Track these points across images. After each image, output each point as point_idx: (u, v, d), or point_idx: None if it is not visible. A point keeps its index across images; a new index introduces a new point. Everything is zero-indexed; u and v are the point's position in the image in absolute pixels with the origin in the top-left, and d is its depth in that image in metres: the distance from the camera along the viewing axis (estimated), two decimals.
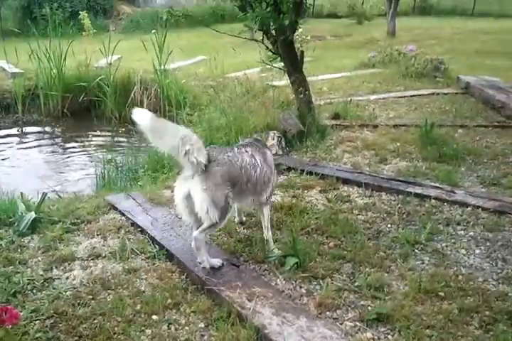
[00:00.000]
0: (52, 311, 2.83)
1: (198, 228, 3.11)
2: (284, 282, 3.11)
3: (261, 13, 5.30)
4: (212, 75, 9.32)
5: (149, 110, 7.55)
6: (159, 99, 8.85)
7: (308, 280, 3.11)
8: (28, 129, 9.05)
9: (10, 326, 2.48)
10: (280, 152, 5.26)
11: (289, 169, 4.89)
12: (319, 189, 4.44)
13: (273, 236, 3.58)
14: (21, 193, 4.33)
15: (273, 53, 6.00)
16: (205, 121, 5.64)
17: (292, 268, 3.18)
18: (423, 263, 3.31)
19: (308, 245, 3.42)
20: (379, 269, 3.22)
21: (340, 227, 3.69)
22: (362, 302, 2.90)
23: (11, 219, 3.93)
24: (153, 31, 8.79)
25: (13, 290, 3.04)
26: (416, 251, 3.45)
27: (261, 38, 6.02)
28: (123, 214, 4.06)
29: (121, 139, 7.61)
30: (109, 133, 8.01)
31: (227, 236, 3.65)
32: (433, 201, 4.14)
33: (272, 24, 5.64)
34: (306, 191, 4.42)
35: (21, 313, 2.71)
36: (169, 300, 2.92)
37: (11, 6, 21.52)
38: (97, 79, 9.31)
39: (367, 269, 3.22)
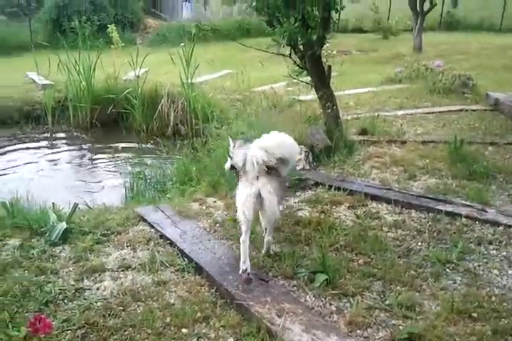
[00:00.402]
0: (83, 321, 2.86)
1: (247, 230, 3.29)
2: (313, 299, 3.09)
3: (289, 28, 5.34)
4: (239, 89, 9.40)
5: (176, 123, 7.68)
6: (186, 112, 8.92)
7: (338, 297, 3.09)
8: (57, 140, 9.21)
9: (43, 335, 2.52)
10: (307, 167, 5.26)
11: (316, 184, 4.88)
12: (348, 205, 4.42)
13: (301, 252, 3.59)
14: (53, 203, 4.41)
15: (300, 68, 6.04)
16: (233, 134, 5.67)
17: (322, 285, 3.17)
18: (455, 283, 3.25)
19: (338, 262, 3.40)
20: (410, 288, 3.18)
21: (370, 244, 3.66)
22: (393, 322, 2.86)
23: (42, 229, 3.99)
24: (182, 44, 8.90)
25: (45, 300, 3.08)
26: (447, 270, 3.40)
27: (287, 52, 6.07)
28: (152, 227, 4.10)
29: (148, 151, 7.69)
30: (137, 145, 8.11)
31: (256, 251, 3.65)
32: (464, 219, 4.08)
33: (299, 39, 5.68)
34: (334, 207, 4.40)
35: (53, 323, 2.74)
36: (198, 314, 2.93)
37: (41, 19, 22.06)
38: (125, 92, 9.44)
39: (398, 288, 3.19)
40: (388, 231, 3.97)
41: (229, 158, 3.95)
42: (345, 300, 3.07)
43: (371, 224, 4.07)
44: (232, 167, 3.92)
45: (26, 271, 3.43)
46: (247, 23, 21.54)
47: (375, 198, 4.53)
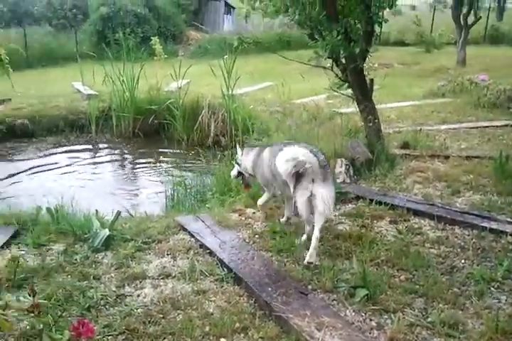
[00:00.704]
0: (124, 327, 2.90)
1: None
2: (353, 313, 3.05)
3: (331, 41, 5.35)
4: (279, 101, 9.44)
5: (216, 134, 7.73)
6: (226, 124, 9.01)
7: (379, 313, 3.04)
8: (100, 149, 9.43)
9: (86, 340, 2.56)
10: (348, 180, 5.22)
11: (357, 198, 4.84)
12: (389, 219, 4.36)
13: (341, 265, 3.56)
14: (96, 210, 4.50)
15: (342, 81, 6.02)
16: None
17: (362, 300, 3.13)
18: (500, 302, 3.16)
19: (379, 277, 3.35)
20: (453, 306, 3.10)
21: (412, 260, 3.59)
22: (435, 340, 2.80)
23: (86, 235, 4.08)
24: (225, 57, 9.01)
25: (88, 305, 3.14)
26: (492, 289, 3.30)
27: (328, 64, 6.07)
28: (192, 236, 4.13)
29: (189, 161, 7.79)
30: (178, 155, 8.23)
31: (295, 263, 3.64)
32: (509, 237, 3.96)
33: (342, 52, 5.68)
34: (375, 221, 4.34)
35: (95, 328, 2.78)
36: (237, 324, 2.92)
37: (87, 30, 22.79)
38: (167, 103, 9.61)
39: (440, 305, 3.11)
40: (431, 248, 3.89)
41: (236, 166, 4.39)
42: (386, 316, 3.01)
43: (413, 239, 4.00)
44: (239, 174, 4.45)
45: (69, 276, 3.51)
46: (288, 36, 21.72)
47: (417, 213, 4.45)
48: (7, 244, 4.05)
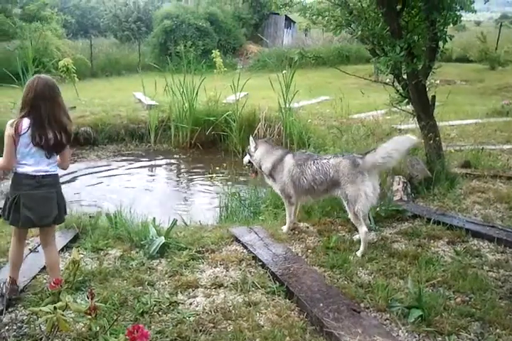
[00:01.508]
0: (175, 334, 2.95)
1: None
2: (406, 334, 2.98)
3: (394, 57, 5.30)
4: (336, 115, 9.39)
5: None
6: (282, 137, 9.04)
7: (433, 335, 2.96)
8: (158, 158, 9.64)
9: None
10: (405, 198, 5.12)
11: (414, 216, 4.74)
12: (447, 240, 4.25)
13: (396, 284, 3.49)
14: (154, 218, 4.61)
15: (402, 97, 5.94)
16: None
17: (416, 321, 3.05)
18: None
19: (434, 298, 3.26)
20: (511, 332, 2.98)
21: (470, 283, 3.48)
22: None
23: (142, 242, 4.19)
24: (284, 72, 9.07)
25: (142, 310, 3.21)
26: None
27: (387, 80, 6.00)
28: (245, 247, 4.16)
29: (244, 173, 7.86)
30: (234, 167, 8.31)
31: (348, 280, 3.60)
32: None
33: (404, 68, 5.61)
34: (432, 241, 4.25)
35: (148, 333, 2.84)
36: (287, 338, 2.92)
37: (150, 42, 23.56)
38: (225, 115, 9.74)
39: (498, 330, 3.01)
40: (489, 271, 3.76)
41: (248, 155, 4.77)
42: (440, 339, 2.94)
43: (471, 261, 3.88)
44: (249, 162, 4.80)
45: (125, 281, 3.61)
46: (347, 51, 21.63)
47: (476, 235, 4.32)
48: (67, 247, 4.22)
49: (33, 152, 3.19)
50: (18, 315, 3.19)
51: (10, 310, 3.24)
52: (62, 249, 4.14)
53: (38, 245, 4.20)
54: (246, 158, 4.85)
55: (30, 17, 19.20)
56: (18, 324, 3.10)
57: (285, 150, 4.77)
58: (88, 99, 12.27)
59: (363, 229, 4.00)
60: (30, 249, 4.12)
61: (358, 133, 7.25)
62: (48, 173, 3.26)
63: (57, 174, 3.36)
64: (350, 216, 4.08)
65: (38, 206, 3.24)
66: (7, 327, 3.06)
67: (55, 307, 2.58)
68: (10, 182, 3.34)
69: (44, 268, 3.81)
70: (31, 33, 17.46)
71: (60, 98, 3.36)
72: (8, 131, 3.15)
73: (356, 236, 4.20)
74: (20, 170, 3.21)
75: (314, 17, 6.39)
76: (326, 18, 6.15)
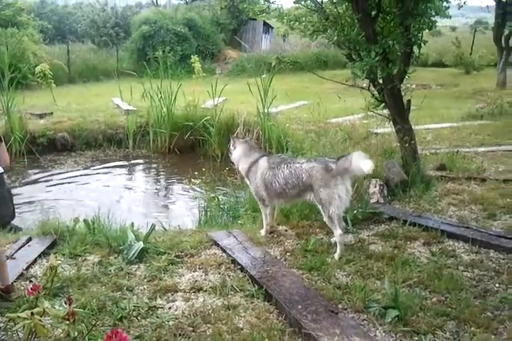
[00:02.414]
0: (155, 339, 2.94)
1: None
2: (384, 334, 3.02)
3: (369, 61, 5.37)
4: (314, 120, 9.47)
5: None
6: (260, 141, 9.06)
7: (410, 335, 3.00)
8: (136, 163, 9.61)
9: None
10: (381, 200, 5.19)
11: (390, 218, 4.80)
12: (422, 241, 4.31)
13: (373, 285, 3.53)
14: (132, 223, 4.61)
15: (378, 101, 6.02)
16: None
17: (393, 321, 3.09)
18: None
19: (411, 298, 3.31)
20: (485, 330, 3.04)
21: (445, 283, 3.54)
22: None
23: (120, 247, 4.17)
24: (264, 76, 9.11)
25: (120, 315, 3.20)
26: None
27: (365, 84, 6.07)
28: (224, 251, 4.17)
29: (223, 177, 7.87)
30: (212, 171, 8.32)
31: (326, 282, 3.63)
32: None
33: (379, 73, 5.69)
34: (408, 242, 4.30)
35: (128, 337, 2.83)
36: (266, 340, 2.93)
37: (128, 48, 23.43)
38: (203, 120, 9.75)
39: (472, 329, 3.06)
40: (464, 271, 3.82)
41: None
42: (416, 338, 2.98)
43: (447, 262, 3.94)
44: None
45: (103, 287, 3.58)
46: (325, 56, 21.81)
47: (451, 236, 4.39)
48: (44, 254, 4.18)
49: None
50: None
51: None
52: (39, 255, 4.11)
53: (15, 252, 4.17)
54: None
55: (6, 22, 18.93)
56: None
57: (262, 152, 4.80)
58: (65, 104, 12.18)
59: (337, 231, 4.04)
60: (7, 256, 4.07)
61: (336, 137, 7.31)
62: None
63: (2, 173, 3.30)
64: (325, 219, 4.13)
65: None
66: None
67: (32, 313, 2.56)
68: None
69: (21, 275, 3.78)
70: (7, 39, 17.22)
71: None
72: None
73: (333, 239, 4.23)
74: None
75: (292, 23, 6.46)
76: (303, 23, 6.21)
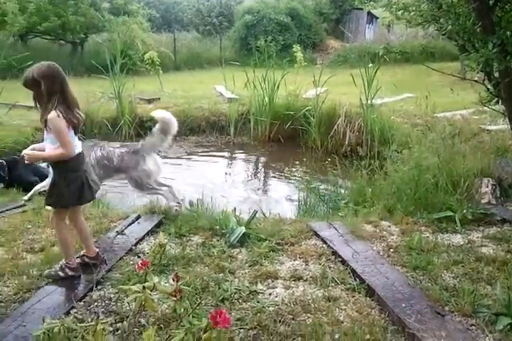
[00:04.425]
0: (255, 323, 2.98)
1: None
2: None
3: (486, 53, 5.05)
4: (420, 113, 9.10)
5: (351, 143, 7.66)
6: (362, 133, 8.87)
7: None
8: (237, 150, 9.79)
9: (221, 329, 2.67)
10: (493, 201, 4.90)
11: (503, 221, 4.52)
12: None
13: (483, 290, 3.35)
14: (234, 208, 4.70)
15: (493, 95, 5.66)
16: (413, 159, 5.50)
17: (505, 329, 2.91)
18: None
19: None
20: None
21: None
22: None
23: (223, 231, 4.28)
24: (370, 65, 8.88)
25: (222, 297, 3.28)
26: None
27: (475, 77, 5.73)
28: (324, 242, 4.14)
29: (323, 169, 7.80)
30: (312, 161, 8.28)
31: (432, 282, 3.49)
32: None
33: (496, 65, 5.34)
34: None
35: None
36: (368, 336, 2.86)
37: (231, 37, 23.85)
38: (304, 110, 9.70)
39: None
40: None
41: None
42: None
43: None
44: None
45: (207, 267, 3.70)
46: (432, 47, 20.83)
47: None
48: (152, 232, 4.38)
49: (72, 134, 3.33)
50: (106, 292, 3.35)
51: (99, 287, 3.41)
52: (147, 233, 4.32)
53: (125, 228, 4.41)
54: None
55: (117, 11, 19.90)
56: (106, 301, 3.25)
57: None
58: (171, 91, 12.64)
59: (161, 191, 4.93)
60: (117, 231, 4.32)
61: (444, 132, 6.98)
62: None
63: None
64: (145, 193, 5.00)
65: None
66: (96, 303, 3.22)
67: (144, 287, 2.69)
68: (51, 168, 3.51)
69: (130, 250, 3.99)
70: (119, 27, 18.16)
71: None
72: (61, 122, 3.23)
73: None
74: (77, 151, 3.39)
75: (400, 12, 6.21)
76: (412, 13, 5.96)
